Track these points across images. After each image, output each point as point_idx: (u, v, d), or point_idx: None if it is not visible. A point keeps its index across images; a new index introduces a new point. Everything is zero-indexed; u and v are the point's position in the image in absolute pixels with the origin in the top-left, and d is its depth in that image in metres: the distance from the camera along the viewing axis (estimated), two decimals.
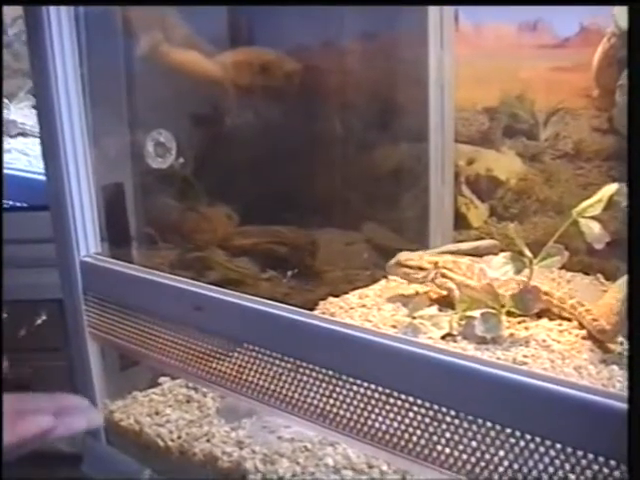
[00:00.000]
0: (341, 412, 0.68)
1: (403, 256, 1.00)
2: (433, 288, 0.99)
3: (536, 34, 1.15)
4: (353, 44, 1.23)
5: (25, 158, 1.71)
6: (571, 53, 1.12)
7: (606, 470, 0.51)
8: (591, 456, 0.52)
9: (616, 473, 0.51)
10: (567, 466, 0.53)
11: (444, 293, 0.98)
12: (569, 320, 0.91)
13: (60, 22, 0.87)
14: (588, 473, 0.52)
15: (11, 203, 1.46)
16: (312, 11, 1.10)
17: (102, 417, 0.77)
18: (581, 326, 0.89)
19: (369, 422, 0.66)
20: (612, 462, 0.51)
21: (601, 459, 0.51)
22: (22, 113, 1.88)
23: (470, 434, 0.59)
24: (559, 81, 1.14)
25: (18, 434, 0.70)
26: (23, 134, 1.86)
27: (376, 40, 1.24)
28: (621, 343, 0.83)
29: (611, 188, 0.81)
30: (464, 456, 0.59)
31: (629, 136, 0.48)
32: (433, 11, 1.22)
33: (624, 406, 0.48)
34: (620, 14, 1.01)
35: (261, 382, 0.76)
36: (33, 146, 1.74)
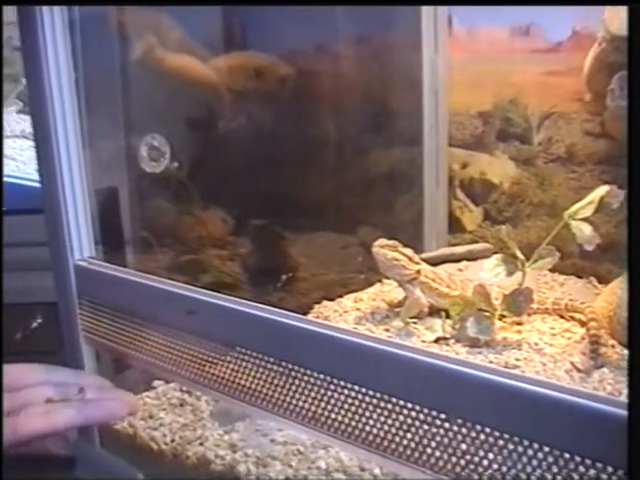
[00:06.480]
0: (333, 415, 0.68)
1: (396, 243, 0.95)
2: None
3: (529, 38, 1.16)
4: (347, 48, 1.23)
5: (13, 163, 1.70)
6: (564, 57, 1.12)
7: (604, 476, 0.51)
8: (589, 462, 0.52)
9: (614, 479, 0.51)
10: (565, 472, 0.53)
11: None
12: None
13: (54, 26, 0.87)
14: (586, 479, 0.52)
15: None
16: (306, 15, 1.10)
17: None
18: (581, 324, 0.90)
19: (361, 425, 0.67)
20: (610, 468, 0.51)
21: (599, 465, 0.51)
22: (11, 118, 1.88)
23: (463, 438, 0.59)
24: (552, 85, 1.14)
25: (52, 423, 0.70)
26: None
27: (370, 44, 1.24)
28: (612, 346, 0.83)
29: (602, 190, 0.81)
30: (454, 459, 0.60)
31: (629, 139, 0.48)
32: (427, 15, 1.22)
33: (624, 412, 0.48)
34: (610, 19, 1.01)
35: (254, 386, 0.76)
36: (21, 151, 1.73)
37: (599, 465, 0.51)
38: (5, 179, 1.57)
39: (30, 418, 0.71)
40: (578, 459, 0.52)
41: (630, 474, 0.48)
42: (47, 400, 0.75)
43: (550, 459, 0.54)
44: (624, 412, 0.48)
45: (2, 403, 0.71)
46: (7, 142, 1.82)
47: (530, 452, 0.55)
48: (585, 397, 0.52)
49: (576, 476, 0.52)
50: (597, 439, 0.51)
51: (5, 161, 1.71)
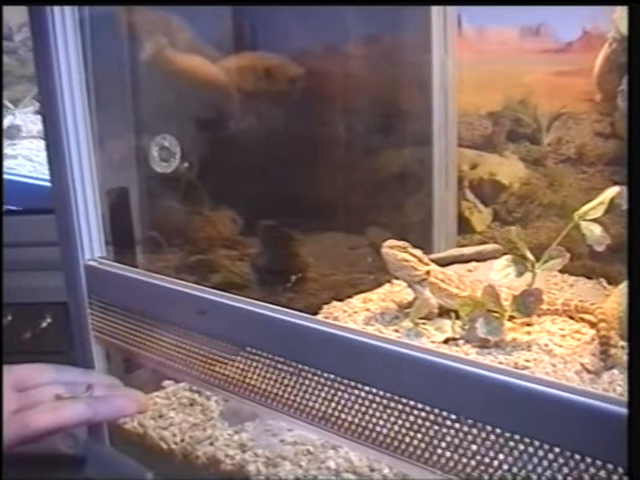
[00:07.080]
0: (343, 416, 0.68)
1: (406, 244, 0.96)
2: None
3: (539, 38, 1.15)
4: (357, 49, 1.24)
5: (30, 164, 1.72)
6: (574, 57, 1.12)
7: (604, 474, 0.51)
8: (589, 460, 0.52)
9: (615, 477, 0.51)
10: (575, 473, 0.53)
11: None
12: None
13: (65, 26, 0.87)
14: (586, 477, 0.52)
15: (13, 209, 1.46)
16: (315, 15, 1.10)
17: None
18: (591, 325, 0.89)
19: (371, 426, 0.67)
20: (610, 465, 0.51)
21: (599, 463, 0.51)
22: (29, 119, 1.90)
23: (473, 438, 0.59)
24: (562, 86, 1.14)
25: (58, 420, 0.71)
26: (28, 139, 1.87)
27: (380, 44, 1.24)
28: (622, 347, 0.83)
29: (612, 191, 0.81)
30: (464, 460, 0.60)
31: (629, 139, 0.48)
32: (436, 15, 1.22)
33: (624, 410, 0.48)
34: (621, 19, 1.01)
35: (264, 386, 0.76)
36: (38, 152, 1.74)
37: (610, 466, 0.51)
38: (21, 179, 1.58)
39: (39, 413, 0.71)
40: (589, 460, 0.52)
41: (630, 474, 0.48)
42: (56, 397, 0.76)
43: (561, 460, 0.54)
44: (624, 409, 0.48)
45: (2, 403, 0.72)
46: (23, 143, 1.83)
47: (540, 453, 0.55)
48: (595, 398, 0.52)
49: (587, 477, 0.52)
50: (608, 440, 0.51)
51: (22, 162, 1.72)
